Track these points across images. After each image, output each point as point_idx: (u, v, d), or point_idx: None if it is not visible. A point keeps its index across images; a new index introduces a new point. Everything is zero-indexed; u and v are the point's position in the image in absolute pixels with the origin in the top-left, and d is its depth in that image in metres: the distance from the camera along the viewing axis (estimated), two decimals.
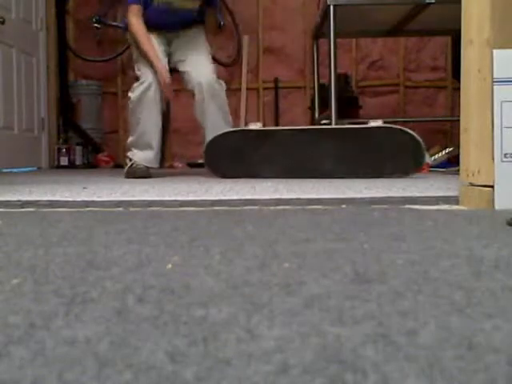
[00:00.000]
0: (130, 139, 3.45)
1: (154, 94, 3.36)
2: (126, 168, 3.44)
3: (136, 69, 3.48)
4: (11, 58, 4.88)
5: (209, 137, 3.30)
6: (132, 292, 0.66)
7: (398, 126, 2.96)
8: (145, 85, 3.36)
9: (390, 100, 5.87)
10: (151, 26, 3.43)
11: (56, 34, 5.59)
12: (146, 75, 3.38)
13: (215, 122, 3.39)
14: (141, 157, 3.39)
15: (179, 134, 5.53)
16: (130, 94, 3.43)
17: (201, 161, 4.21)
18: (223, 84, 3.46)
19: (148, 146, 3.40)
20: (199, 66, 3.44)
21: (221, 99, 3.42)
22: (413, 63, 5.87)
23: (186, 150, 5.68)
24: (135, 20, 3.40)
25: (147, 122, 3.38)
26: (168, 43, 3.55)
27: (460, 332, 0.51)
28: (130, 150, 3.45)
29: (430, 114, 5.73)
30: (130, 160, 3.43)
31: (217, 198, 1.74)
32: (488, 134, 1.52)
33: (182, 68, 3.49)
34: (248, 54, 5.79)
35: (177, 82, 3.52)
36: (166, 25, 3.46)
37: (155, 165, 3.43)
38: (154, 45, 3.43)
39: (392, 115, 5.67)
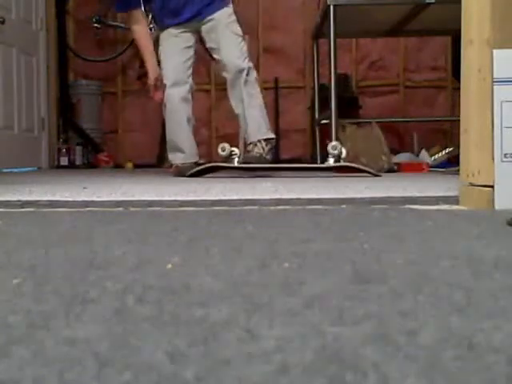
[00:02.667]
0: (167, 140, 3.55)
1: (177, 96, 3.39)
2: (173, 168, 3.55)
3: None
4: (11, 58, 4.88)
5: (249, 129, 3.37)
6: (132, 292, 0.66)
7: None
8: (167, 90, 3.40)
9: (390, 100, 5.87)
10: (165, 20, 3.42)
11: (56, 34, 5.59)
12: (166, 77, 3.43)
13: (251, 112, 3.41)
14: (176, 159, 3.51)
15: None
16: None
17: (202, 160, 4.21)
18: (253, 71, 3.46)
19: (178, 150, 3.49)
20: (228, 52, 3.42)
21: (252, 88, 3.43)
22: (413, 63, 5.87)
23: None
24: (137, 27, 3.45)
25: (173, 125, 3.46)
26: (195, 32, 3.51)
27: (460, 332, 0.51)
28: (169, 151, 3.55)
29: (429, 114, 5.73)
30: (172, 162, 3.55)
31: (217, 198, 1.73)
32: (488, 134, 1.52)
33: (215, 56, 3.50)
34: (248, 53, 5.79)
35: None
36: (181, 13, 3.43)
37: (193, 160, 3.51)
38: (150, 47, 3.44)
39: (392, 115, 5.67)
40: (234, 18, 3.49)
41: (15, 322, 0.55)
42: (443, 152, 4.33)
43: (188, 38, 3.49)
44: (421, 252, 0.91)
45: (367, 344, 0.48)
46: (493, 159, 1.50)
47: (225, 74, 3.47)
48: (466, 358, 0.45)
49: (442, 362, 0.44)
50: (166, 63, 3.45)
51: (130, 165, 5.56)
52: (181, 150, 3.50)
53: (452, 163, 3.93)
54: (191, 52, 3.51)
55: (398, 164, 3.92)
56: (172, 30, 3.47)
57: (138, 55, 5.62)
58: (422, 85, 5.86)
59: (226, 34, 3.42)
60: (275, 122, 5.85)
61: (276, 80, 5.85)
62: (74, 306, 0.60)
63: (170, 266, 0.81)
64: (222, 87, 5.92)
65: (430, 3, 3.80)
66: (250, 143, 3.44)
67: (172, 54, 3.45)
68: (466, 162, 1.61)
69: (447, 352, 0.46)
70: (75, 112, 5.67)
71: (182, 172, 3.43)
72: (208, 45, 3.53)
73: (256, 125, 3.42)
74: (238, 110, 3.47)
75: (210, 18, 3.44)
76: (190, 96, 3.48)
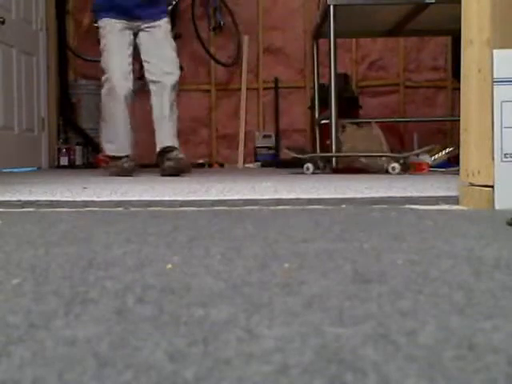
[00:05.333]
0: (103, 133, 3.60)
1: (119, 91, 3.43)
2: (109, 168, 3.61)
3: (102, 61, 3.54)
4: (11, 58, 4.88)
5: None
6: (132, 292, 0.66)
7: None
8: (109, 84, 3.45)
9: (390, 100, 5.87)
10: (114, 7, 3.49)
11: (56, 34, 5.58)
12: (110, 71, 3.46)
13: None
14: (112, 148, 3.56)
15: (179, 133, 5.52)
16: (102, 90, 3.52)
17: (201, 161, 4.22)
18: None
19: (115, 138, 3.54)
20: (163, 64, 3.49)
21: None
22: (413, 63, 5.87)
23: (186, 150, 5.68)
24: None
25: (115, 116, 3.49)
26: (134, 33, 3.59)
27: (460, 332, 0.51)
28: (104, 145, 3.61)
29: (430, 114, 5.73)
30: (111, 158, 3.59)
31: (217, 198, 1.73)
32: (488, 134, 1.52)
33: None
34: (248, 53, 5.79)
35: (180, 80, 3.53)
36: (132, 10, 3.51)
37: (127, 152, 3.55)
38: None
39: (392, 115, 5.67)
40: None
41: (15, 322, 0.55)
42: (443, 152, 4.32)
43: (129, 35, 3.56)
44: (421, 252, 0.91)
45: (367, 344, 0.48)
46: (493, 159, 1.50)
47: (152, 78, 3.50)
48: (466, 357, 0.45)
49: (442, 361, 0.44)
50: (112, 55, 3.48)
51: None
52: (114, 142, 3.54)
53: (452, 163, 3.93)
54: (131, 49, 3.57)
55: None
56: (116, 24, 3.51)
57: (137, 56, 5.63)
58: (422, 85, 5.86)
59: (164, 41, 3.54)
60: (275, 121, 5.85)
61: (276, 80, 5.85)
62: (74, 306, 0.60)
63: (169, 266, 0.81)
64: (221, 87, 5.95)
65: (429, 3, 3.80)
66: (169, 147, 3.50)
67: (119, 48, 3.49)
68: (466, 161, 1.61)
69: (447, 352, 0.46)
70: (75, 112, 5.67)
71: (118, 172, 3.48)
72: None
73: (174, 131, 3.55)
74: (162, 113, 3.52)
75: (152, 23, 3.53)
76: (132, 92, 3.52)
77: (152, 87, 3.46)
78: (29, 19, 5.18)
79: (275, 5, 5.84)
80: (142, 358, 0.46)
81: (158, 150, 3.48)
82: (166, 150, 3.44)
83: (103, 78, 3.48)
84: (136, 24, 3.52)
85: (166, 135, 3.48)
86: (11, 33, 4.83)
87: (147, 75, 3.51)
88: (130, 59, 3.53)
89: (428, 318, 0.55)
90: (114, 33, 3.51)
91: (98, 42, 3.61)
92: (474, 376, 0.41)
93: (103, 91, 3.48)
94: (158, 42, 3.52)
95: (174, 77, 3.45)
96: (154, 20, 3.54)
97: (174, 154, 3.42)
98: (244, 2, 5.74)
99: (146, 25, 3.53)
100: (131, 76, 3.50)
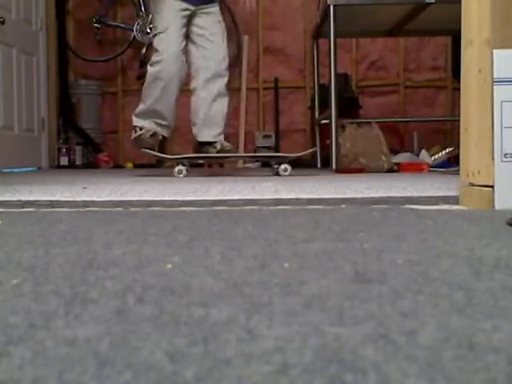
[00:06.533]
0: (141, 107, 3.48)
1: (171, 72, 3.37)
2: (134, 136, 3.49)
3: (155, 42, 3.48)
4: (11, 58, 4.88)
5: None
6: (132, 292, 0.66)
7: None
8: (161, 65, 3.37)
9: (390, 100, 5.87)
10: None
11: (56, 34, 5.58)
12: (162, 52, 3.40)
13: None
14: (150, 125, 3.46)
15: (179, 133, 5.52)
16: (148, 68, 3.44)
17: (201, 161, 4.21)
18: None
19: (159, 116, 3.44)
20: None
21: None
22: (413, 63, 5.87)
23: (186, 150, 5.68)
24: None
25: (163, 98, 3.41)
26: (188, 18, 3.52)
27: (460, 332, 0.51)
28: (138, 118, 3.49)
29: (430, 114, 5.73)
30: (140, 129, 3.47)
31: (217, 198, 1.73)
32: (488, 134, 1.52)
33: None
34: (248, 53, 5.79)
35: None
36: None
37: (166, 134, 3.50)
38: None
39: (392, 115, 5.67)
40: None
41: (15, 322, 0.55)
42: (443, 152, 4.33)
43: (185, 18, 3.51)
44: (421, 252, 0.91)
45: (367, 344, 0.48)
46: (493, 159, 1.50)
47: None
48: (466, 357, 0.45)
49: (442, 361, 0.44)
50: (169, 26, 3.41)
51: (130, 165, 5.56)
52: (164, 120, 3.47)
53: (452, 163, 3.93)
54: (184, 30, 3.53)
55: (397, 164, 3.91)
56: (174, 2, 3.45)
57: (137, 55, 5.63)
58: (422, 85, 5.86)
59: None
60: (275, 121, 5.85)
61: (276, 80, 5.85)
62: (74, 306, 0.60)
63: (169, 266, 0.81)
64: None
65: (429, 3, 3.80)
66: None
67: (175, 21, 3.43)
68: (466, 161, 1.61)
69: (447, 352, 0.46)
70: (75, 112, 5.67)
71: (143, 143, 3.42)
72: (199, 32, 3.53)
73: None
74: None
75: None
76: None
77: None
78: (29, 19, 5.18)
79: (275, 5, 5.84)
80: (142, 357, 0.46)
81: None
82: None
83: None
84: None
85: None
86: (11, 33, 4.83)
87: None
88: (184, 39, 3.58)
89: (428, 318, 0.55)
90: (170, 6, 3.52)
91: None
92: (474, 376, 0.41)
93: None
94: None
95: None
96: None
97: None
98: (244, 2, 5.73)
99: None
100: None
